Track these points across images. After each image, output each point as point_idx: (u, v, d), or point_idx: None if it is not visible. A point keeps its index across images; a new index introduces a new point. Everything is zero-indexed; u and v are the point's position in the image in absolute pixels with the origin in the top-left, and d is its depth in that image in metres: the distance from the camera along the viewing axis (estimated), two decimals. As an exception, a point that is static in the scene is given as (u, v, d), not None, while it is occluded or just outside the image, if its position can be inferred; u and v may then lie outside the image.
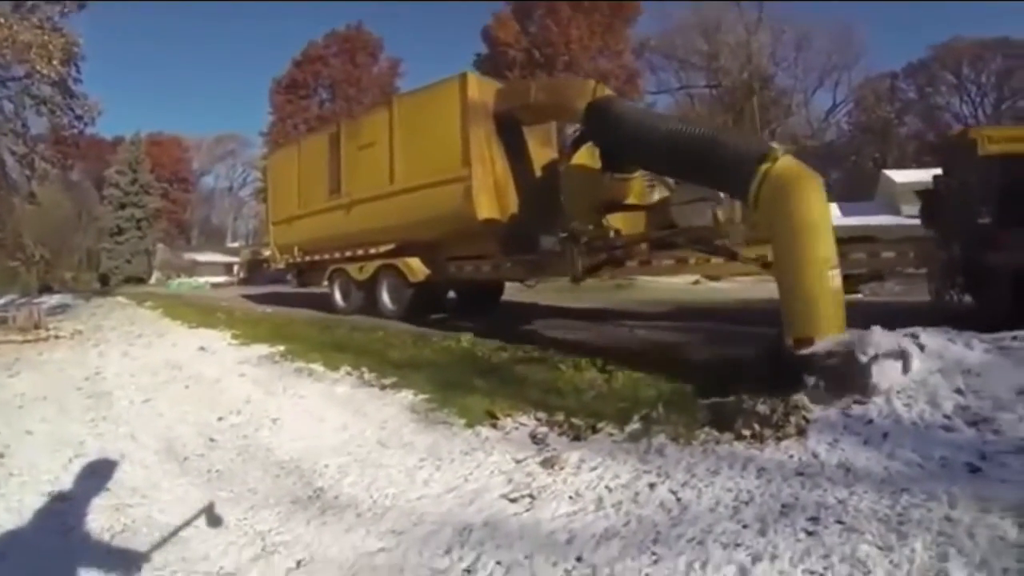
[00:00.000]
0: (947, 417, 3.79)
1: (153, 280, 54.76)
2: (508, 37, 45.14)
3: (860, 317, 4.94)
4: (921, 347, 4.34)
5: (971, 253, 6.70)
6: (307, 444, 5.20)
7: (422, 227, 10.56)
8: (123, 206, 55.82)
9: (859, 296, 9.12)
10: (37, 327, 14.12)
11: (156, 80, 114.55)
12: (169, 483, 4.62)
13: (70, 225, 51.57)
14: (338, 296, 13.25)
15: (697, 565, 2.81)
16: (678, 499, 3.45)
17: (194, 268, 57.23)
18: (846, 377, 4.29)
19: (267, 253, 16.46)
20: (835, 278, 5.01)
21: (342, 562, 3.37)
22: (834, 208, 33.14)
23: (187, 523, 3.23)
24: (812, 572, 2.64)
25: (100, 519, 3.90)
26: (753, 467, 3.62)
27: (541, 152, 11.02)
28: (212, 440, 5.53)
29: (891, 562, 2.60)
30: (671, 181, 8.88)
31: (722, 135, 6.64)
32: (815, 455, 3.65)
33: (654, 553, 2.96)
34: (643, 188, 9.14)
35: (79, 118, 18.22)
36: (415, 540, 3.45)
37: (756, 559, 2.77)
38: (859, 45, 46.04)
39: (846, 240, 7.93)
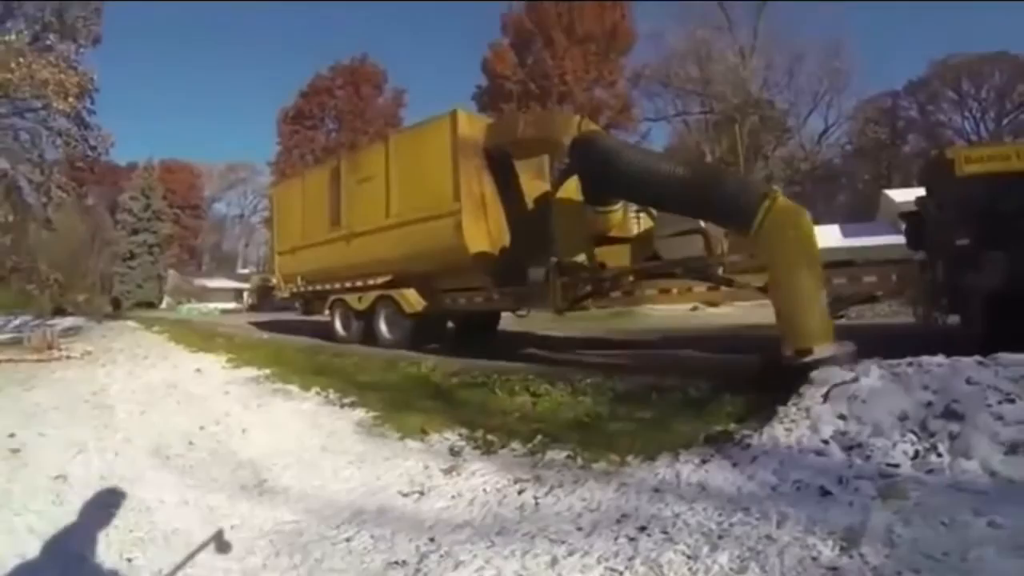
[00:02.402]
0: (824, 442, 4.15)
1: (164, 305, 55.25)
2: (505, 69, 45.60)
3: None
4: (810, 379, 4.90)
5: (952, 275, 6.72)
6: (265, 448, 6.10)
7: (416, 260, 10.86)
8: (136, 231, 56.53)
9: (843, 320, 9.32)
10: (50, 347, 14.61)
11: (169, 108, 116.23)
12: (152, 474, 5.45)
13: (84, 249, 51.97)
14: (339, 325, 13.54)
15: (519, 552, 3.39)
16: (536, 503, 4.10)
17: (204, 294, 57.72)
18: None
19: (275, 280, 16.87)
20: (826, 300, 5.98)
21: (263, 527, 4.29)
22: (835, 230, 33.32)
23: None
24: (613, 569, 3.07)
25: (93, 495, 4.72)
26: (616, 482, 4.19)
27: (533, 185, 11.30)
28: (191, 443, 6.35)
29: (690, 569, 2.98)
30: (653, 213, 9.17)
31: (723, 175, 7.36)
32: (678, 474, 4.14)
33: (492, 541, 3.60)
34: (624, 220, 9.43)
35: (93, 148, 18.75)
36: (319, 517, 4.36)
37: (570, 554, 3.28)
38: (850, 66, 45.63)
39: (827, 265, 8.21)
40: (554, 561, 3.24)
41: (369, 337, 12.46)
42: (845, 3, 53.92)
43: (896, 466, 3.77)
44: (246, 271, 71.35)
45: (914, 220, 8.28)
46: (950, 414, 4.01)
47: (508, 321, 13.68)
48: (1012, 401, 3.99)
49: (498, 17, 48.50)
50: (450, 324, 12.92)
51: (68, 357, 13.70)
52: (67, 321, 27.02)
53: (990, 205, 6.29)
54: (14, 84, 14.94)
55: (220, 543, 3.68)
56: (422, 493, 4.60)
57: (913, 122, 53.02)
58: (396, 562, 3.55)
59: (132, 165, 61.56)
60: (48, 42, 16.80)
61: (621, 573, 3.05)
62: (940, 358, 4.75)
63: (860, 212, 41.15)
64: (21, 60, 14.90)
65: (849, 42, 46.06)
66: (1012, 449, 3.63)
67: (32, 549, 3.78)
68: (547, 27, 44.66)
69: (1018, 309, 5.75)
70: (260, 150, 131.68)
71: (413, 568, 3.46)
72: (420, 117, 12.10)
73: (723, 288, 8.20)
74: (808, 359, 5.43)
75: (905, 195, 31.57)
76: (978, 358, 4.67)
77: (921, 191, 8.49)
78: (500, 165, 10.75)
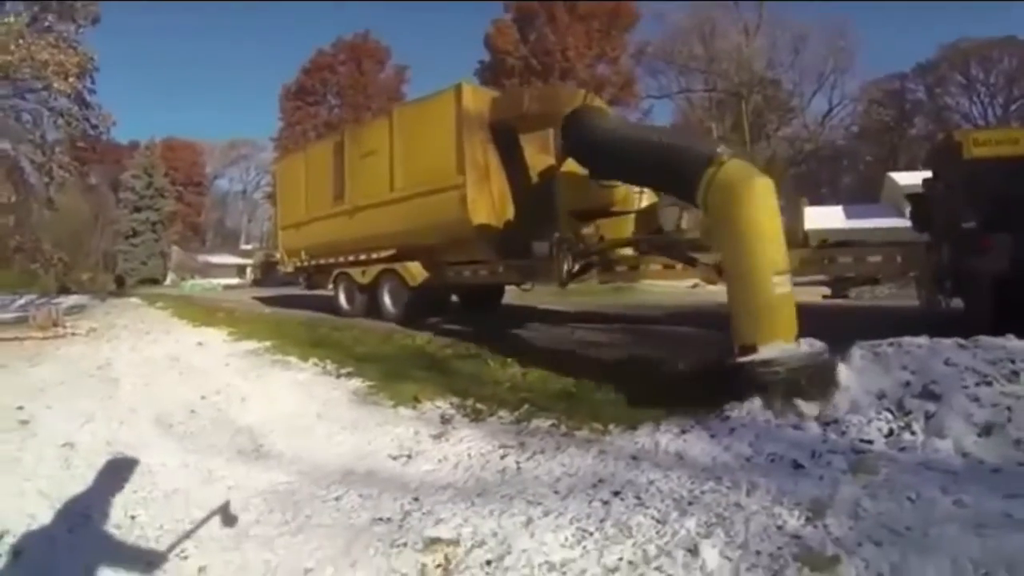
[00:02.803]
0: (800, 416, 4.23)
1: (168, 282, 55.52)
2: (507, 45, 45.37)
3: (837, 322, 5.41)
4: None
5: (957, 257, 6.66)
6: (263, 416, 6.28)
7: (420, 233, 10.87)
8: (138, 209, 56.70)
9: (848, 300, 9.32)
10: (55, 325, 14.63)
11: (170, 86, 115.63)
12: (155, 440, 5.60)
13: (87, 228, 52.18)
14: (343, 299, 13.59)
15: (496, 512, 3.55)
16: (518, 467, 4.29)
17: (208, 270, 57.92)
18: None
19: (278, 255, 16.97)
20: (782, 284, 4.96)
21: (257, 487, 4.43)
22: (838, 211, 33.27)
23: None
24: (584, 529, 3.22)
25: (99, 461, 4.88)
26: (596, 449, 4.37)
27: (538, 159, 11.23)
28: (192, 412, 6.52)
29: (657, 532, 3.11)
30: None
31: (673, 139, 6.73)
32: (657, 443, 4.30)
33: (472, 501, 3.77)
34: (629, 194, 9.40)
35: (94, 127, 18.77)
36: (311, 478, 4.53)
37: (545, 514, 3.44)
38: (854, 47, 45.32)
39: (833, 244, 8.16)
40: (529, 521, 3.39)
41: (373, 311, 12.50)
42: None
43: (870, 442, 3.84)
44: (249, 247, 71.64)
45: (920, 202, 8.29)
46: (927, 394, 4.07)
47: (511, 294, 13.75)
48: (989, 384, 4.02)
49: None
50: (454, 298, 12.98)
51: (73, 334, 13.77)
52: (71, 299, 27.27)
53: (997, 188, 6.18)
54: (14, 65, 14.93)
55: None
56: (410, 456, 4.80)
57: (920, 105, 52.87)
58: (381, 519, 3.72)
59: (134, 144, 61.57)
60: (47, 23, 16.72)
61: (591, 533, 3.17)
62: (922, 339, 4.75)
63: (865, 194, 41.09)
64: (21, 42, 14.90)
65: (854, 22, 45.82)
66: (986, 430, 3.68)
67: (42, 510, 3.89)
68: (549, 3, 44.31)
69: (1023, 292, 5.74)
70: (262, 126, 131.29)
71: (396, 524, 3.62)
72: (423, 93, 11.99)
73: (696, 267, 7.51)
74: (744, 359, 4.81)
75: (910, 178, 31.47)
76: (958, 340, 4.65)
77: (927, 174, 8.44)
78: (505, 139, 10.70)
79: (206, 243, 76.76)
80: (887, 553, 2.67)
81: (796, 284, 5.45)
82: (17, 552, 3.35)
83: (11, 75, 15.56)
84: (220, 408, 6.70)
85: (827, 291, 12.05)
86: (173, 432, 5.87)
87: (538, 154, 11.33)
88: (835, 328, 5.48)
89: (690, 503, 3.34)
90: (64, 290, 33.96)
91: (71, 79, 16.12)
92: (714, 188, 5.35)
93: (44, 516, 3.81)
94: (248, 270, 57.09)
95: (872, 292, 11.61)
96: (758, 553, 2.80)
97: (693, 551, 2.87)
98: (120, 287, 48.39)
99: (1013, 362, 4.18)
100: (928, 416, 3.89)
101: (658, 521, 3.20)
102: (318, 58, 58.88)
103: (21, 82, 16.24)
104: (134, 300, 28.27)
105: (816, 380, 4.48)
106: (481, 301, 13.16)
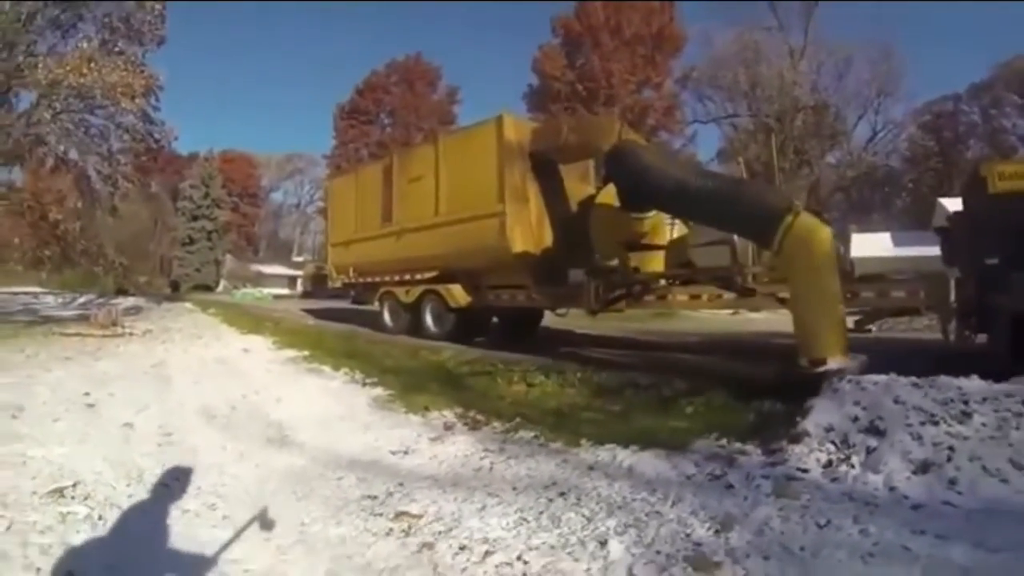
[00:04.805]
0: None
1: (220, 288, 56.99)
2: (554, 70, 45.48)
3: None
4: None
5: (981, 293, 6.53)
6: (293, 414, 6.99)
7: (462, 257, 11.28)
8: (195, 218, 58.64)
9: (871, 333, 9.36)
10: (115, 324, 15.55)
11: (231, 99, 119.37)
12: (200, 427, 6.42)
13: (146, 233, 54.08)
14: (387, 316, 14.02)
15: (460, 498, 4.25)
16: (491, 467, 4.93)
17: (260, 279, 59.21)
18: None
19: (327, 269, 17.56)
20: (842, 311, 6.30)
21: (277, 467, 5.22)
22: (886, 238, 32.68)
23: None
24: (523, 518, 3.84)
25: (150, 440, 5.74)
26: (561, 458, 4.96)
27: (578, 188, 11.58)
28: (233, 408, 7.29)
29: (581, 526, 3.65)
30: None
31: (746, 189, 7.65)
32: (614, 457, 4.81)
33: (444, 489, 4.46)
34: (660, 227, 9.65)
35: (157, 141, 19.63)
36: (322, 463, 5.27)
37: (498, 504, 4.09)
38: (899, 70, 43.75)
39: (858, 278, 8.25)
40: (483, 507, 4.06)
41: (415, 329, 12.86)
42: (901, 2, 51.74)
43: (806, 471, 4.08)
44: (301, 259, 72.77)
45: (948, 236, 8.20)
46: (872, 430, 4.23)
47: (550, 319, 14.02)
48: (936, 424, 4.13)
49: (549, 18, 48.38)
50: (495, 319, 13.23)
51: (131, 334, 14.55)
52: (129, 301, 28.57)
53: (1020, 224, 5.95)
54: (86, 87, 15.81)
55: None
56: (407, 453, 5.51)
57: (975, 127, 51.12)
58: (368, 496, 4.46)
59: (193, 155, 63.74)
60: (117, 48, 17.66)
61: (528, 521, 3.78)
62: (880, 376, 4.91)
63: (918, 219, 40.16)
64: (92, 64, 15.76)
65: (900, 45, 44.63)
66: (922, 468, 3.81)
67: (106, 470, 4.67)
68: (595, 29, 44.49)
69: None
70: (318, 141, 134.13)
71: (380, 500, 4.37)
72: (473, 114, 12.49)
73: (745, 297, 8.45)
74: (821, 369, 5.76)
75: (960, 204, 30.74)
76: (913, 379, 4.76)
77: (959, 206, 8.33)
78: (545, 168, 11.06)
79: (259, 253, 78.49)
80: (768, 566, 3.01)
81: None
82: (86, 496, 4.13)
83: (83, 95, 16.45)
84: (257, 406, 7.45)
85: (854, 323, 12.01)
86: (215, 422, 6.64)
87: (578, 184, 11.65)
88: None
89: (619, 507, 3.86)
90: (122, 291, 35.35)
91: (137, 99, 16.99)
92: (792, 234, 6.33)
93: (108, 475, 4.58)
94: (299, 281, 58.19)
95: (904, 323, 11.47)
96: (657, 552, 3.25)
97: (603, 544, 3.38)
98: (175, 292, 50.10)
99: (966, 403, 4.29)
100: (869, 451, 4.09)
101: (586, 518, 3.74)
102: (371, 79, 60.19)
103: (91, 99, 17.11)
104: (188, 305, 29.43)
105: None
106: (520, 323, 13.35)
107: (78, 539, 3.55)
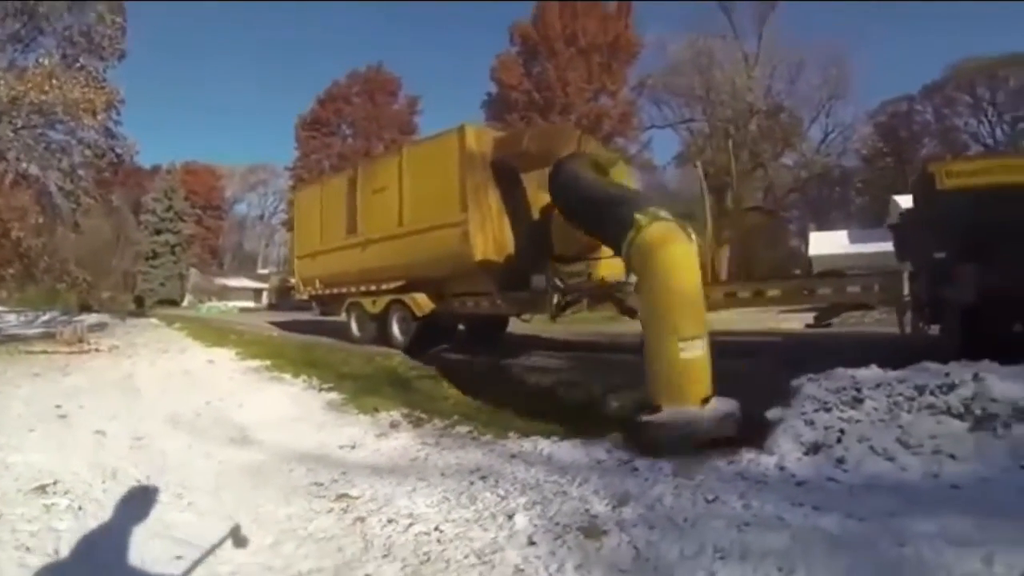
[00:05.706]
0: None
1: (185, 303, 56.55)
2: (512, 79, 46.03)
3: (806, 352, 6.89)
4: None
5: (931, 287, 6.75)
6: (254, 417, 7.52)
7: (426, 266, 11.42)
8: (158, 232, 58.08)
9: (830, 328, 9.71)
10: (81, 341, 15.80)
11: (192, 111, 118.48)
12: (167, 432, 6.82)
13: (108, 248, 53.18)
14: (354, 327, 14.09)
15: (394, 483, 4.78)
16: (426, 458, 5.47)
17: (225, 293, 58.91)
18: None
19: (294, 281, 17.65)
20: (690, 349, 4.95)
21: (239, 463, 5.71)
22: (843, 236, 33.60)
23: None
24: (446, 497, 4.35)
25: (122, 444, 6.19)
26: (488, 448, 5.50)
27: (539, 196, 11.51)
28: (199, 414, 7.77)
29: (495, 504, 4.13)
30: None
31: (614, 195, 7.03)
32: (536, 446, 5.30)
33: (381, 476, 4.99)
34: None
35: (118, 156, 19.56)
36: (278, 458, 5.79)
37: (427, 486, 4.62)
38: (849, 74, 44.46)
39: (814, 276, 8.55)
40: (413, 490, 4.57)
41: (382, 338, 12.95)
42: (855, 4, 53.67)
43: (706, 456, 4.44)
44: (266, 271, 72.43)
45: (900, 232, 8.54)
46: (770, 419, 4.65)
47: (516, 324, 14.23)
48: (828, 410, 4.46)
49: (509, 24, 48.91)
50: (462, 327, 13.34)
51: (97, 350, 14.76)
52: (93, 317, 28.23)
53: (967, 219, 6.27)
54: (48, 104, 15.85)
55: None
56: (353, 447, 6.08)
57: (928, 126, 52.47)
58: (315, 483, 5.01)
59: (155, 168, 63.11)
60: (78, 63, 17.68)
61: (450, 500, 4.30)
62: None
63: (875, 217, 41.15)
64: (54, 81, 15.79)
65: (852, 48, 45.35)
66: (813, 449, 4.18)
67: (82, 471, 5.14)
68: (551, 37, 45.09)
69: (990, 321, 6.07)
70: (281, 152, 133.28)
71: (325, 486, 4.90)
72: (434, 123, 12.73)
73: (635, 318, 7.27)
74: (648, 418, 4.94)
75: (911, 202, 31.57)
76: (810, 375, 5.04)
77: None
78: (506, 177, 11.22)
79: (224, 266, 77.83)
80: (651, 534, 3.38)
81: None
82: (66, 491, 4.57)
83: (44, 112, 16.43)
84: (221, 411, 7.95)
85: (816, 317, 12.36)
86: (182, 427, 7.08)
87: (538, 192, 11.81)
88: (801, 357, 6.78)
89: (531, 488, 4.33)
90: (85, 308, 34.79)
91: (99, 115, 17.01)
92: (633, 250, 5.47)
93: (85, 474, 5.02)
94: (264, 294, 58.01)
95: (861, 318, 11.87)
96: (557, 523, 3.69)
97: (511, 517, 3.85)
98: (139, 307, 49.47)
99: (859, 390, 4.59)
100: (764, 437, 4.49)
101: (500, 497, 4.23)
102: (332, 89, 60.36)
103: (53, 115, 17.07)
104: (153, 320, 29.37)
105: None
106: (486, 330, 13.48)
107: (62, 525, 3.96)
